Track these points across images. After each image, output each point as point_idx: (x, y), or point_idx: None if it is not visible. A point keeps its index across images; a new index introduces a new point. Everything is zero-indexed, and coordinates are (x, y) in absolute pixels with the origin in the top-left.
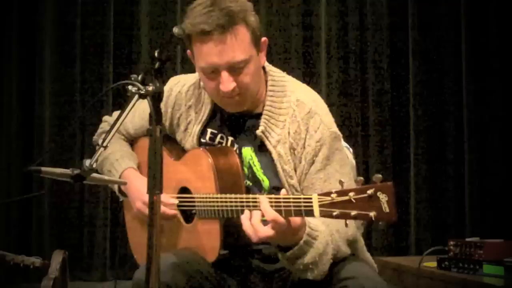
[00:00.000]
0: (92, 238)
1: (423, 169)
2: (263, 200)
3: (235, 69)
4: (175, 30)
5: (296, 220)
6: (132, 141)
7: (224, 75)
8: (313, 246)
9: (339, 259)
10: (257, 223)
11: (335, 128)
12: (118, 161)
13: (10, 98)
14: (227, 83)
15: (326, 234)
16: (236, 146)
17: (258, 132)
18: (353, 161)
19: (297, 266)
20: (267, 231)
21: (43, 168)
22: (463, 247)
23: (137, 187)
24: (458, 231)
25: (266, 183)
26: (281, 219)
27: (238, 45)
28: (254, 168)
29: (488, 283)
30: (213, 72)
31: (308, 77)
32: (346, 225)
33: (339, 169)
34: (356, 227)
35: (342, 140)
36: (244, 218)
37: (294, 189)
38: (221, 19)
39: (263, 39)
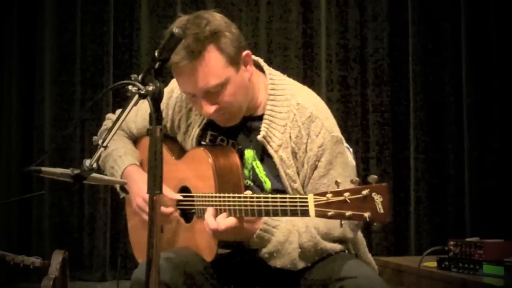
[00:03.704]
0: (92, 238)
1: (423, 169)
2: (208, 211)
3: (212, 93)
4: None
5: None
6: (135, 140)
7: (203, 101)
8: (274, 234)
9: (324, 253)
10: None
11: (336, 132)
12: (121, 157)
13: (10, 98)
14: (206, 107)
15: (295, 224)
16: (237, 148)
17: (260, 137)
18: (353, 162)
19: (263, 254)
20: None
21: (43, 168)
22: (463, 247)
23: (138, 184)
24: (458, 231)
25: (268, 184)
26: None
27: (210, 71)
28: (257, 170)
29: (488, 283)
30: (193, 97)
31: (308, 77)
32: (341, 225)
33: (342, 172)
34: (351, 229)
35: (344, 142)
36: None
37: (297, 192)
38: (189, 47)
39: (245, 53)
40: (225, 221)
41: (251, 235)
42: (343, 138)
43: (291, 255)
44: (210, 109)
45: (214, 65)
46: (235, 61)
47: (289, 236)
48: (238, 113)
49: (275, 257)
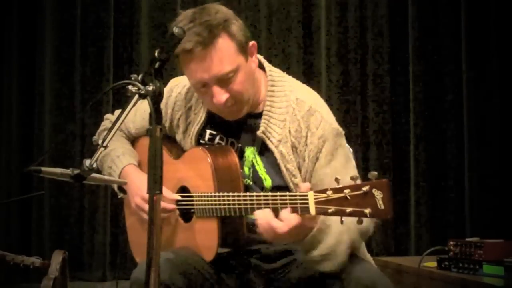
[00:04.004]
0: (92, 238)
1: (423, 169)
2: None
3: (224, 81)
4: (175, 30)
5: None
6: (133, 140)
7: (215, 88)
8: (327, 234)
9: (356, 249)
10: (272, 220)
11: (336, 125)
12: (119, 157)
13: (10, 98)
14: (219, 95)
15: (339, 223)
16: (237, 146)
17: (259, 133)
18: (353, 161)
19: (314, 257)
20: (281, 227)
21: (43, 168)
22: (463, 247)
23: (136, 184)
24: (458, 231)
25: (268, 182)
26: (296, 220)
27: (223, 57)
28: (257, 167)
29: (488, 283)
30: (204, 87)
31: (308, 77)
32: (342, 222)
33: (345, 163)
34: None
35: (344, 137)
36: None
37: (298, 188)
38: (201, 34)
39: (251, 43)
40: (292, 218)
41: (306, 235)
42: (343, 132)
43: (342, 257)
44: (222, 97)
45: (227, 52)
46: (244, 49)
47: (342, 236)
48: (246, 104)
49: (328, 259)
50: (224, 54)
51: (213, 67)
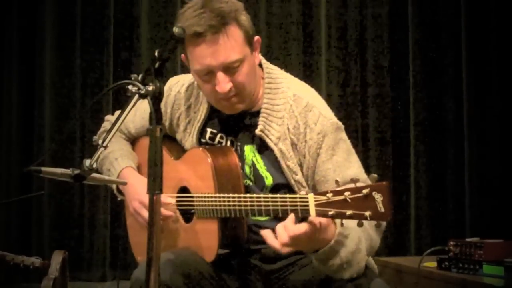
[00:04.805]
0: (92, 238)
1: (423, 169)
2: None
3: (230, 69)
4: (175, 29)
5: (321, 220)
6: (133, 140)
7: (220, 75)
8: (345, 244)
9: (374, 250)
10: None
11: (335, 119)
12: (117, 160)
13: (10, 98)
14: (223, 83)
15: (358, 229)
16: (237, 145)
17: (257, 131)
18: (355, 155)
19: (330, 267)
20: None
21: (43, 168)
22: (463, 247)
23: (134, 187)
24: (458, 231)
25: (269, 180)
26: (305, 228)
27: (232, 45)
28: (258, 165)
29: (488, 283)
30: (207, 74)
31: (308, 76)
32: (342, 224)
33: (347, 157)
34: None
35: (344, 131)
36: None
37: (300, 185)
38: (212, 20)
39: (256, 37)
40: (295, 228)
41: (320, 246)
42: (343, 126)
43: (360, 265)
44: (226, 86)
45: (236, 40)
46: (250, 41)
47: (359, 244)
48: (246, 98)
49: (344, 268)
50: (234, 42)
51: (222, 54)
